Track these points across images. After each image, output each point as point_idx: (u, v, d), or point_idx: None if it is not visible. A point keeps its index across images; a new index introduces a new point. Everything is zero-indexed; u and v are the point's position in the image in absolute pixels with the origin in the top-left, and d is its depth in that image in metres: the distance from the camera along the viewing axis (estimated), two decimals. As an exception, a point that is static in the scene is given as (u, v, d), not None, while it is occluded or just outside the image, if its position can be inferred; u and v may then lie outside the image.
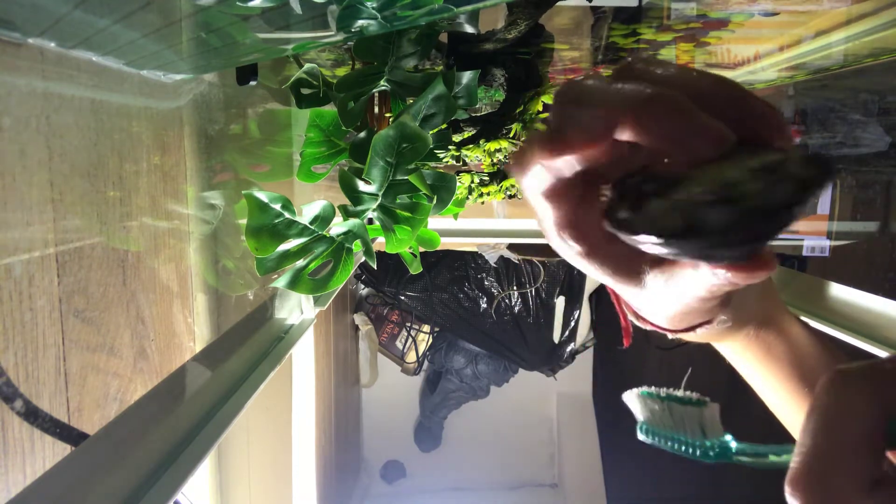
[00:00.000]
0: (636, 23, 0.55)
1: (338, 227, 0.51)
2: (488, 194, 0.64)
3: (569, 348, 2.38)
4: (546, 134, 0.22)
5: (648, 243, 0.20)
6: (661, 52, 0.65)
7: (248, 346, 0.65)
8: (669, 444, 0.25)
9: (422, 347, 2.47)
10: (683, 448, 0.25)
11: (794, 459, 0.20)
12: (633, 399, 0.27)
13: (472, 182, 0.64)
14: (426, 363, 2.54)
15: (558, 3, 0.48)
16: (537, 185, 0.24)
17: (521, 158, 0.23)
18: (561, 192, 0.24)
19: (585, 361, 2.55)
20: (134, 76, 0.53)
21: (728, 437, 0.25)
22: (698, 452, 0.25)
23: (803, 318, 0.68)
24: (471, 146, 0.59)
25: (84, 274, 0.47)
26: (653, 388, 0.28)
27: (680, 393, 0.27)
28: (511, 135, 0.58)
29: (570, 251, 0.25)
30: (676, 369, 2.28)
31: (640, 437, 0.27)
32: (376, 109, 0.55)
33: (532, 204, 0.24)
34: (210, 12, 0.38)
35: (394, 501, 2.56)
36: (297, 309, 0.81)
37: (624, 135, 0.21)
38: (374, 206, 0.50)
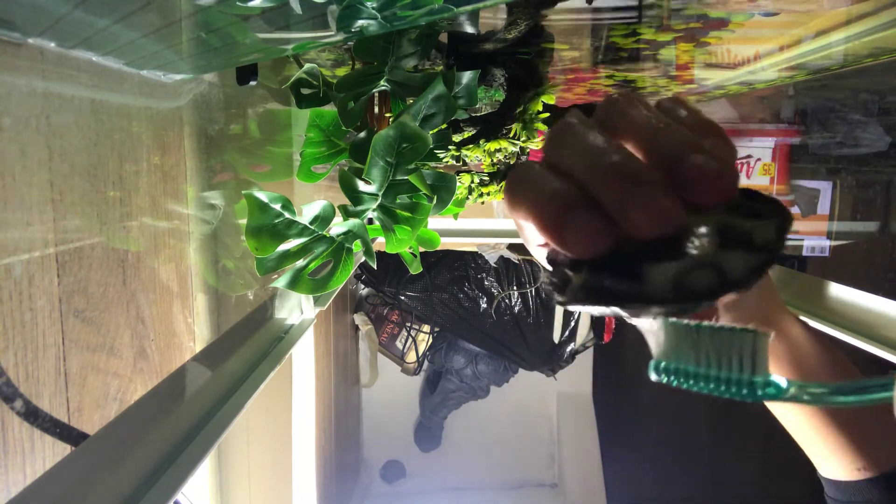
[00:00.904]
0: (636, 23, 0.55)
1: (338, 227, 0.51)
2: (488, 194, 0.64)
3: (569, 348, 2.38)
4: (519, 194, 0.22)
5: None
6: (661, 52, 0.65)
7: (248, 346, 0.65)
8: (705, 383, 0.20)
9: (422, 347, 2.46)
10: (724, 386, 0.20)
11: None
12: (655, 327, 0.22)
13: (472, 182, 0.64)
14: (426, 363, 2.54)
15: (558, 4, 0.48)
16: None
17: (513, 187, 0.23)
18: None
19: (585, 361, 2.55)
20: (134, 76, 0.53)
21: (773, 375, 0.20)
22: (745, 390, 0.20)
23: (803, 318, 0.68)
24: (471, 146, 0.59)
25: (84, 274, 0.47)
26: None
27: (714, 323, 0.21)
28: (511, 135, 0.58)
29: (545, 263, 0.26)
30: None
31: (657, 376, 0.21)
32: (376, 109, 0.55)
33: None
34: (210, 12, 0.38)
35: (394, 501, 2.56)
36: (297, 309, 0.81)
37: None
38: (374, 206, 0.50)
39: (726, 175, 0.19)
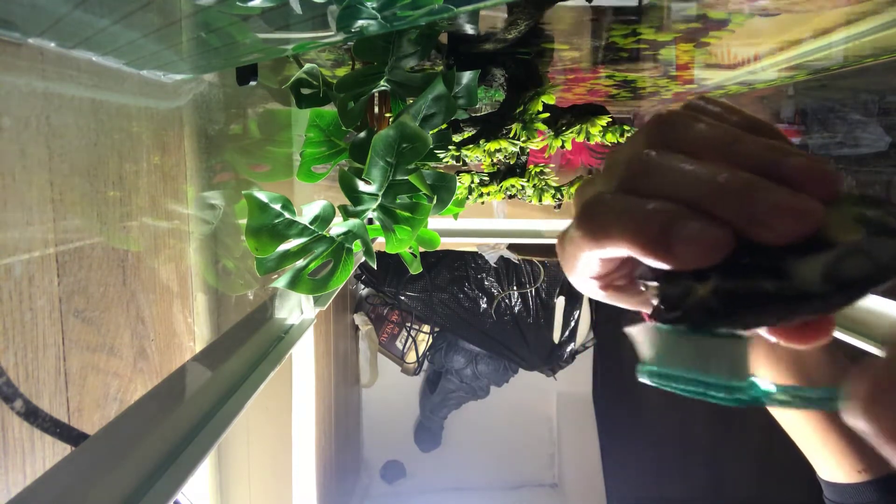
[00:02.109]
0: (636, 23, 0.55)
1: (338, 227, 0.51)
2: (488, 194, 0.64)
3: (569, 348, 2.38)
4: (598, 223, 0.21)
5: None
6: (661, 52, 0.65)
7: (248, 346, 0.65)
8: (689, 386, 0.21)
9: (422, 347, 2.47)
10: (705, 391, 0.20)
11: (863, 374, 0.17)
12: (643, 333, 0.22)
13: (472, 182, 0.64)
14: (426, 363, 2.54)
15: (558, 4, 0.48)
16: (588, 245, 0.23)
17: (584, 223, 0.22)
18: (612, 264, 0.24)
19: (585, 361, 2.55)
20: (134, 76, 0.53)
21: (755, 379, 0.20)
22: (722, 394, 0.20)
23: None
24: (471, 146, 0.59)
25: (84, 274, 0.47)
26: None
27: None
28: (511, 135, 0.58)
29: (594, 295, 0.26)
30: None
31: (645, 378, 0.22)
32: (376, 109, 0.55)
33: (574, 251, 0.24)
34: (210, 12, 0.38)
35: (394, 501, 2.56)
36: (297, 309, 0.81)
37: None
38: (374, 206, 0.50)
39: (829, 167, 0.19)
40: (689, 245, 0.19)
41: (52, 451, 0.43)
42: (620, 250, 0.21)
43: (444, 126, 0.51)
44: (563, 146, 0.61)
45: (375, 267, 0.55)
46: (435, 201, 0.50)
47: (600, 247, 0.21)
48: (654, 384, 0.22)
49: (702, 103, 0.23)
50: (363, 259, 0.54)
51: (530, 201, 0.63)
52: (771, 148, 0.20)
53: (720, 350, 0.20)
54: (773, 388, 0.20)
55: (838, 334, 0.69)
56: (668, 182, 0.20)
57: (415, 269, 0.57)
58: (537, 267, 2.32)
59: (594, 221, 0.21)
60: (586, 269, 0.24)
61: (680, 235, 0.19)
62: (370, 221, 0.51)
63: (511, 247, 2.18)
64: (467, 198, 0.64)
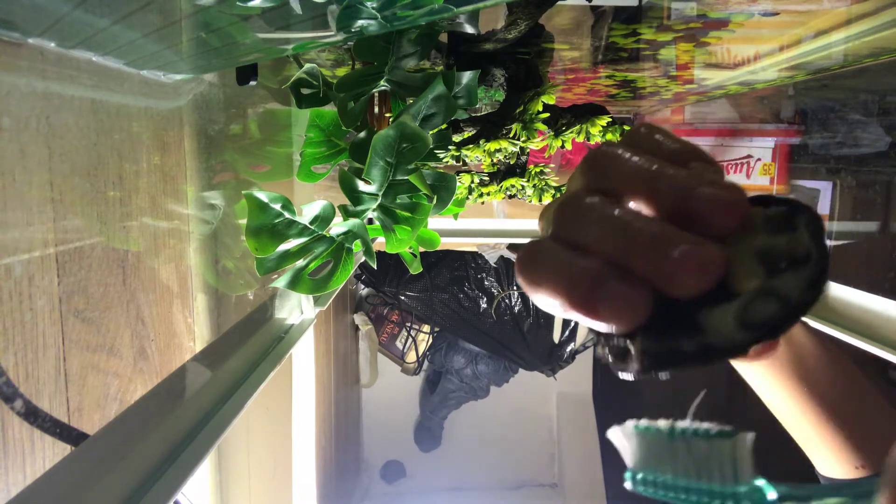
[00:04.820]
0: (636, 23, 0.55)
1: (338, 227, 0.51)
2: (488, 194, 0.64)
3: (569, 348, 2.38)
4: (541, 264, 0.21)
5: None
6: (660, 52, 0.65)
7: (248, 346, 0.65)
8: (684, 496, 0.18)
9: (422, 347, 2.47)
10: (707, 498, 0.18)
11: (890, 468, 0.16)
12: (625, 437, 0.20)
13: (472, 182, 0.64)
14: (426, 363, 2.54)
15: (558, 3, 0.48)
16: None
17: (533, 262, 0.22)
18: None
19: (585, 361, 2.55)
20: (134, 76, 0.53)
21: (761, 482, 0.18)
22: (729, 502, 0.18)
23: (803, 319, 0.68)
24: (471, 146, 0.59)
25: (84, 274, 0.47)
26: (645, 421, 0.20)
27: (691, 424, 0.19)
28: (511, 135, 0.58)
29: (561, 316, 0.26)
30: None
31: (632, 486, 0.20)
32: (376, 109, 0.55)
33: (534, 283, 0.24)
34: (210, 12, 0.38)
35: (394, 501, 2.56)
36: (297, 309, 0.81)
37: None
38: (374, 206, 0.50)
39: (734, 195, 0.19)
40: (611, 310, 0.19)
41: (52, 451, 0.43)
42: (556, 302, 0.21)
43: (444, 126, 0.51)
44: (563, 146, 0.61)
45: (375, 267, 0.55)
46: (435, 201, 0.50)
47: (538, 295, 0.22)
48: (641, 493, 0.20)
49: (640, 131, 0.23)
50: (363, 259, 0.54)
51: (530, 201, 0.63)
52: (684, 179, 0.20)
53: (718, 451, 0.18)
54: (785, 490, 0.18)
55: (838, 334, 0.69)
56: (594, 233, 0.20)
57: (415, 269, 0.57)
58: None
59: (531, 274, 0.22)
60: (541, 303, 0.24)
61: (602, 300, 0.19)
62: (370, 221, 0.51)
63: (511, 247, 2.18)
64: (467, 198, 0.64)
